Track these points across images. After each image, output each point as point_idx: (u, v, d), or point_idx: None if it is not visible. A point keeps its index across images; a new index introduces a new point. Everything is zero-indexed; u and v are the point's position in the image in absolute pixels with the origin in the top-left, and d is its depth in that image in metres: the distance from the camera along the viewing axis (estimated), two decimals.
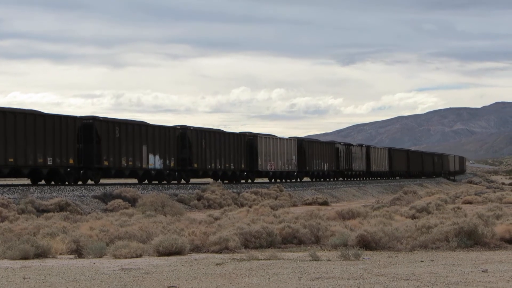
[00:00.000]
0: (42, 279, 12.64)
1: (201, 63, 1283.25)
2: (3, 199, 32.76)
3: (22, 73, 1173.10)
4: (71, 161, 40.51)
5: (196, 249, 17.78)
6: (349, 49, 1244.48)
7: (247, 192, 50.76)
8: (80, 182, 42.14)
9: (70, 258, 16.58)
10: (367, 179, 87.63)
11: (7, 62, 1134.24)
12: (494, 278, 12.11)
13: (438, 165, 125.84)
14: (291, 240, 19.50)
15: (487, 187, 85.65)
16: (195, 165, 51.43)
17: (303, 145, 68.76)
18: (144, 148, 46.25)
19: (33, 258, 16.11)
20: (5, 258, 16.09)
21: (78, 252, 17.30)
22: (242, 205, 43.22)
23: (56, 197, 35.85)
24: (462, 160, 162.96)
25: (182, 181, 50.94)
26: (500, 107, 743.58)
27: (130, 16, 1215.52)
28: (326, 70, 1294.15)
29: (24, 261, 15.66)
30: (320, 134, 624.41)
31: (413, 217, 26.86)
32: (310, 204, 49.63)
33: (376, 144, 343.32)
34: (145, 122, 48.18)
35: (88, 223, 23.82)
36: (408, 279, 12.06)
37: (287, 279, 12.27)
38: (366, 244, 17.53)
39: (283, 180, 64.94)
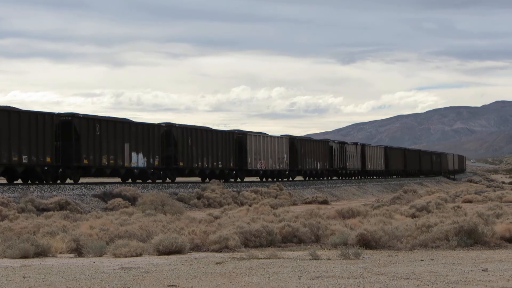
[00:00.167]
0: (42, 278, 12.63)
1: (201, 62, 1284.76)
2: (3, 198, 32.75)
3: (22, 72, 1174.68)
4: (48, 159, 39.39)
5: (196, 248, 17.78)
6: (349, 48, 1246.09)
7: (247, 191, 50.73)
8: (58, 181, 41.08)
9: (70, 257, 16.57)
10: (363, 178, 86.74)
11: (7, 61, 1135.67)
12: (494, 277, 12.10)
13: (437, 164, 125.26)
14: (291, 239, 19.49)
15: (487, 186, 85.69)
16: (181, 164, 50.42)
17: (295, 143, 67.49)
18: (127, 146, 45.34)
19: (33, 257, 16.11)
20: (5, 257, 16.08)
21: (78, 251, 17.29)
22: (242, 204, 43.22)
23: (56, 196, 35.86)
24: (461, 159, 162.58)
25: (168, 180, 49.89)
26: (500, 106, 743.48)
27: (130, 15, 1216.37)
28: (326, 69, 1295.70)
29: (24, 260, 15.65)
30: (320, 133, 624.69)
31: (413, 216, 26.87)
32: (310, 203, 49.63)
33: (376, 143, 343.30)
34: (128, 119, 47.23)
35: (88, 222, 23.81)
36: (408, 278, 12.05)
37: (287, 278, 12.26)
38: (366, 243, 17.52)
39: (274, 179, 63.69)
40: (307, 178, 70.80)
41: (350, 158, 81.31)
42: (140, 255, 16.36)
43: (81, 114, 42.62)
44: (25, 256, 16.01)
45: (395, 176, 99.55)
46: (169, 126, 50.32)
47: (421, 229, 18.67)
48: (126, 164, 45.38)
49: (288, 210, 34.37)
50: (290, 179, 67.07)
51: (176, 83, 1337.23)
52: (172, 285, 11.68)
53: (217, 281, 11.99)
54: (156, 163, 48.16)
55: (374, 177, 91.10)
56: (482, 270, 12.90)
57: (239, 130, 59.94)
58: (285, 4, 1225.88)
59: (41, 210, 32.79)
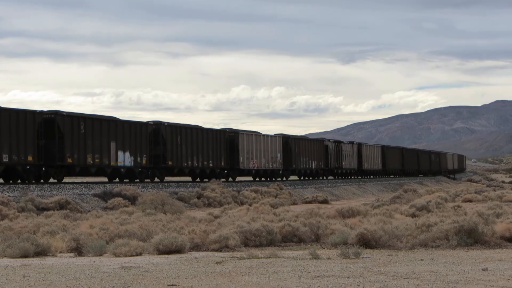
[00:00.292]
0: (42, 278, 12.62)
1: (201, 61, 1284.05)
2: (3, 197, 32.77)
3: (22, 71, 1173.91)
4: (30, 158, 38.43)
5: (196, 247, 17.77)
6: (349, 48, 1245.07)
7: (247, 190, 50.74)
8: (42, 181, 40.33)
9: (70, 257, 16.57)
10: (359, 177, 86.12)
11: (7, 60, 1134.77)
12: (494, 277, 12.10)
13: (436, 163, 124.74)
14: (291, 239, 19.49)
15: (487, 186, 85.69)
16: (170, 163, 49.60)
17: (289, 142, 66.49)
18: (113, 145, 44.51)
19: (33, 256, 16.10)
20: (5, 256, 16.08)
21: (78, 250, 17.30)
22: (242, 203, 43.27)
23: (56, 195, 35.89)
24: (461, 158, 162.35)
25: (156, 179, 49.25)
26: (500, 105, 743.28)
27: (130, 15, 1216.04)
28: (326, 69, 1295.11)
29: (24, 259, 15.65)
30: (320, 133, 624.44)
31: (413, 215, 26.86)
32: (310, 202, 49.68)
33: (376, 142, 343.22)
34: (115, 117, 46.47)
35: (88, 221, 23.80)
36: (408, 278, 12.05)
37: (287, 277, 12.25)
38: (366, 242, 17.52)
39: (268, 179, 62.83)
40: (301, 178, 70.02)
41: (346, 157, 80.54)
42: (140, 254, 16.36)
43: (65, 112, 41.83)
44: (25, 256, 16.01)
45: (392, 176, 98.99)
46: (158, 125, 49.48)
47: (421, 228, 18.67)
48: (112, 163, 44.55)
49: (288, 209, 34.36)
50: (284, 178, 66.06)
51: (176, 82, 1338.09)
52: (172, 285, 11.68)
53: (217, 281, 11.98)
54: (144, 162, 47.35)
55: (371, 176, 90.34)
56: (482, 270, 12.89)
57: (230, 129, 58.86)
58: (285, 4, 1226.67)
59: (41, 209, 32.80)
